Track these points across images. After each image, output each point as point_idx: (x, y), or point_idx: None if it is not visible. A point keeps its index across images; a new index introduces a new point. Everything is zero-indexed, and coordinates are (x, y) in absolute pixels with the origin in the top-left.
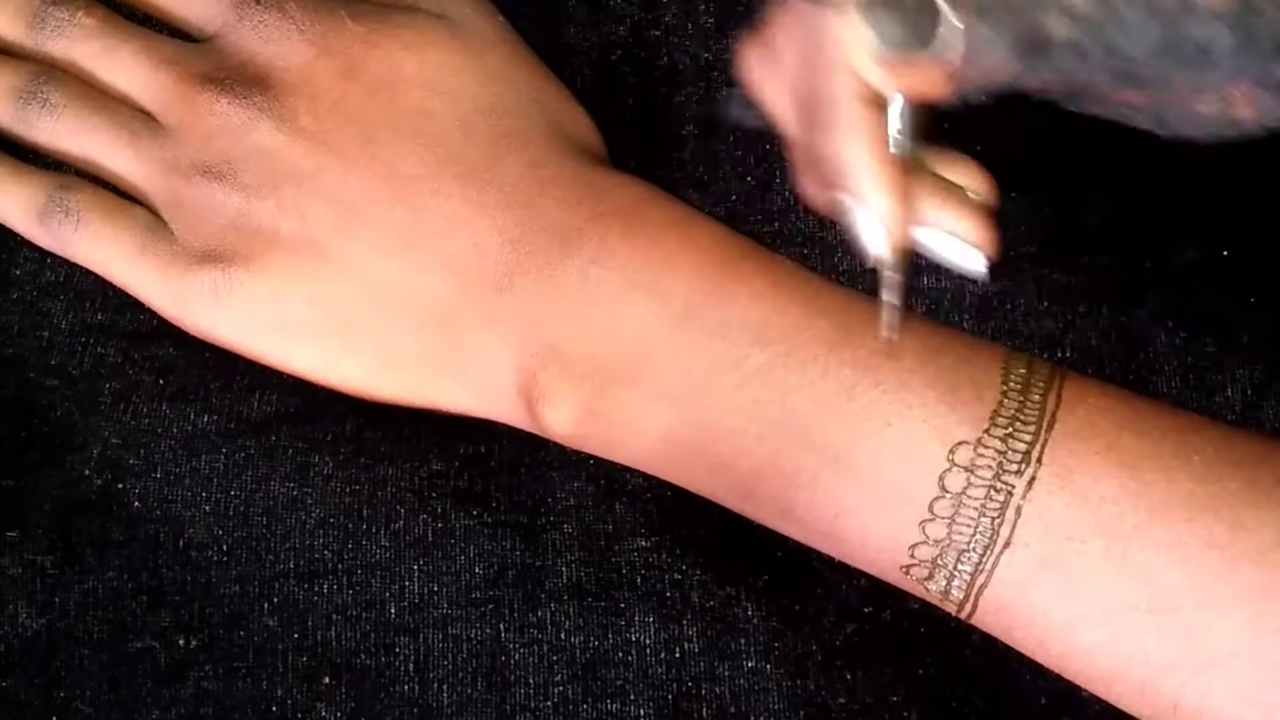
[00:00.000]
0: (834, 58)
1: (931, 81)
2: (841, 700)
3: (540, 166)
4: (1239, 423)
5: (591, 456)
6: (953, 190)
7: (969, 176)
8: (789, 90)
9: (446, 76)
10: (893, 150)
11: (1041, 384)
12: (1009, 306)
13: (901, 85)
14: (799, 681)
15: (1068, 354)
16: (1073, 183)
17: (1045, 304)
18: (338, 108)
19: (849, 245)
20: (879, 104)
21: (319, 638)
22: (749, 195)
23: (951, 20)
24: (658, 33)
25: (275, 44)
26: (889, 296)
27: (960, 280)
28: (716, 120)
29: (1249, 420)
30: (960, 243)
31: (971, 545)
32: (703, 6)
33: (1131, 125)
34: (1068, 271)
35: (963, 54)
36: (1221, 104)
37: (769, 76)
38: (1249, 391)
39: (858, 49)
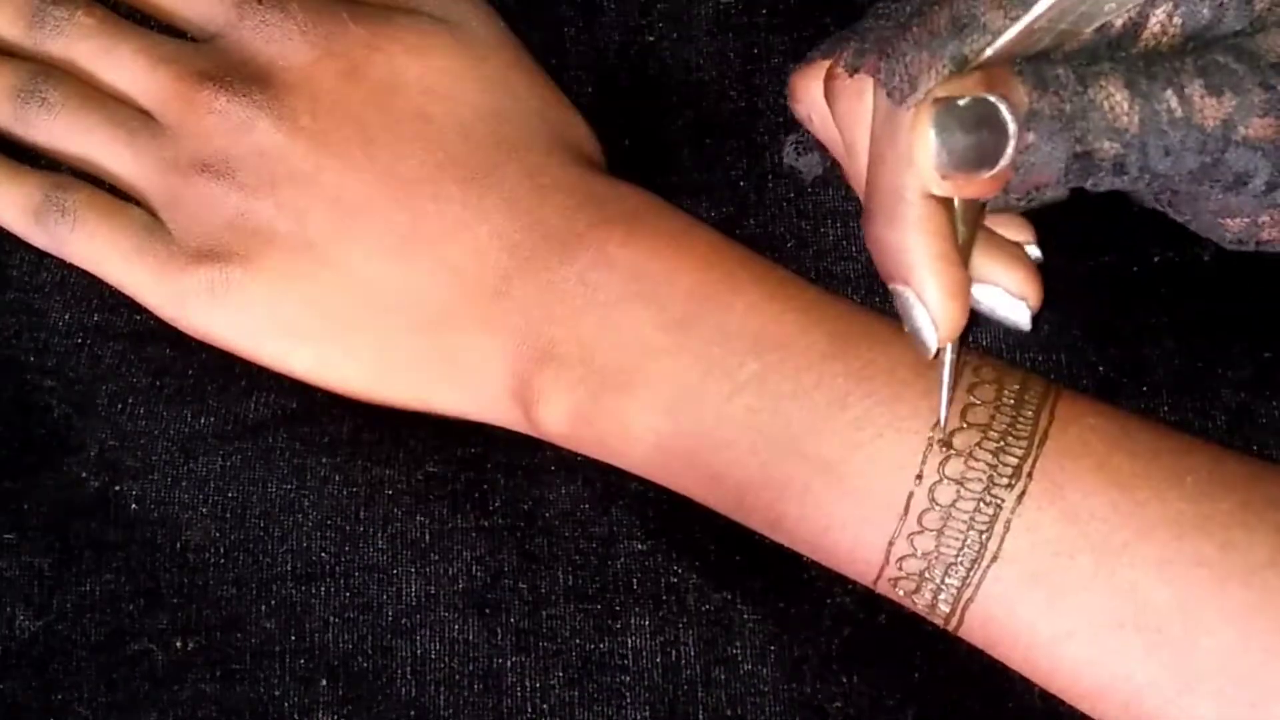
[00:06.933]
0: (906, 157)
1: (988, 191)
2: (838, 704)
3: (540, 173)
4: (1234, 423)
5: (588, 460)
6: (1003, 244)
7: (1016, 230)
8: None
9: (447, 81)
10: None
11: (1035, 400)
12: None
13: (960, 195)
14: (795, 685)
15: (1062, 356)
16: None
17: (1042, 306)
18: (338, 109)
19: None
20: (945, 202)
21: (316, 640)
22: (744, 200)
23: (1015, 139)
24: (652, 38)
25: (277, 44)
26: (945, 386)
27: None
28: (796, 173)
29: (1243, 421)
30: (1008, 295)
31: (959, 558)
32: (696, 11)
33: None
34: (1064, 273)
35: (1017, 165)
36: (1249, 224)
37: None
38: (1243, 393)
39: (925, 159)
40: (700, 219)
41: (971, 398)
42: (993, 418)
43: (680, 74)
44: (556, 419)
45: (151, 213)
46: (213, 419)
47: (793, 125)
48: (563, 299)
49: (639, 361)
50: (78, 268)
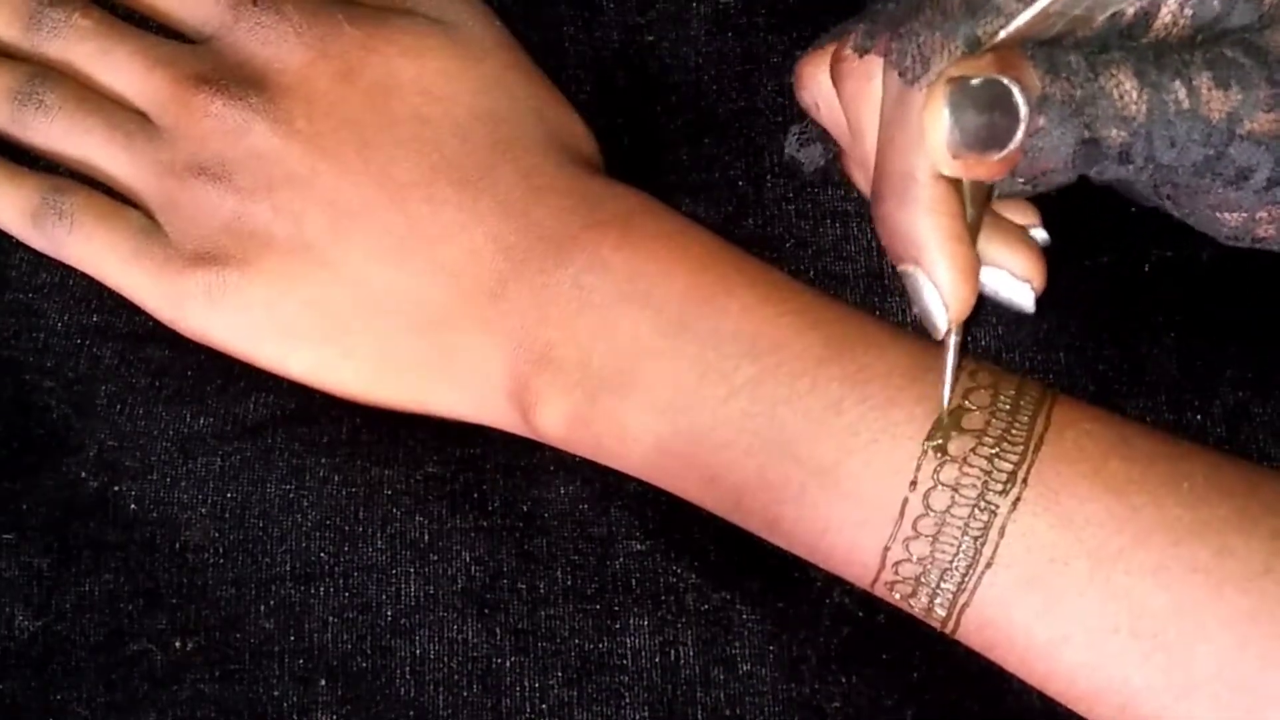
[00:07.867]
0: (918, 136)
1: (996, 173)
2: (836, 704)
3: (536, 175)
4: (1232, 422)
5: (587, 460)
6: (1008, 227)
7: (1021, 212)
8: (859, 140)
9: (443, 83)
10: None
11: (1031, 406)
12: (1004, 308)
13: (969, 176)
14: (794, 685)
15: (1061, 355)
16: (1071, 187)
17: (1040, 306)
18: (334, 111)
19: (909, 303)
20: (955, 182)
21: (315, 640)
22: (743, 199)
23: (1026, 122)
24: (651, 38)
25: (272, 46)
26: (949, 368)
27: None
28: (796, 167)
29: (1241, 420)
30: (1012, 278)
31: (954, 564)
32: (695, 11)
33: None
34: (1064, 273)
35: (1026, 149)
36: (1246, 219)
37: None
38: (1241, 392)
39: (937, 138)
40: (698, 219)
41: (967, 403)
42: (988, 423)
43: (679, 74)
44: (554, 422)
45: (149, 215)
46: (212, 419)
47: (796, 117)
48: (558, 302)
49: (635, 364)
50: (76, 268)
